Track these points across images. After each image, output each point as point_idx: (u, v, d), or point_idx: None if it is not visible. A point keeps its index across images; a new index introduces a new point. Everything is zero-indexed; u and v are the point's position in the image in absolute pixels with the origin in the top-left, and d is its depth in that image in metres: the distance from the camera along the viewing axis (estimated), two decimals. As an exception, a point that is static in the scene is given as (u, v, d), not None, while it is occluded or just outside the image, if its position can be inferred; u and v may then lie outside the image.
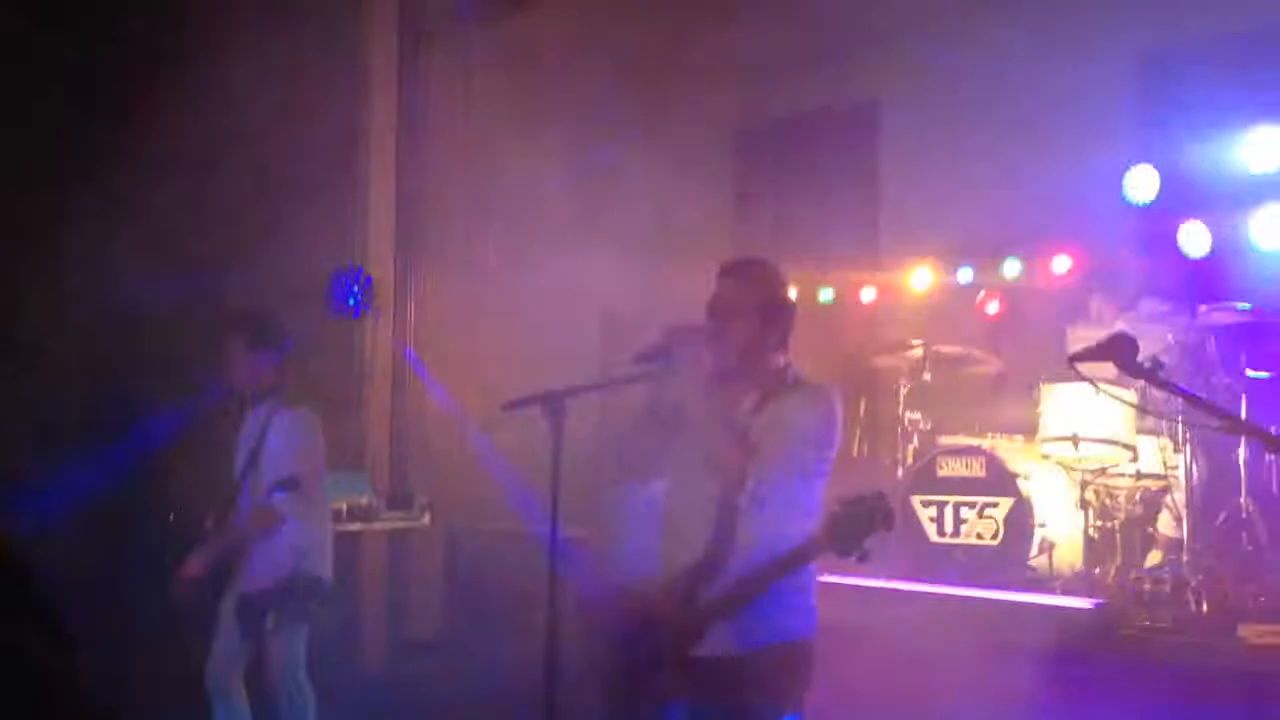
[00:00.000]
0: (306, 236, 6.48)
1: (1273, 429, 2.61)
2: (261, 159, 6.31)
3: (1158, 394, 3.01)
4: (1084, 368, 2.99)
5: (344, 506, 6.44)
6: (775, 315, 3.38)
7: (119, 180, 5.83)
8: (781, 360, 3.40)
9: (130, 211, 5.82)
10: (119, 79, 6.14)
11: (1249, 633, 5.06)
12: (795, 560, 3.07)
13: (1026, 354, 7.22)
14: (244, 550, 4.91)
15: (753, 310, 3.34)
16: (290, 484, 4.87)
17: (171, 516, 5.28)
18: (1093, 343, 2.88)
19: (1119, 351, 2.85)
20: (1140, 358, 2.87)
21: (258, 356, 5.01)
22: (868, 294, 8.53)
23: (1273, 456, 2.53)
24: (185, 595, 4.86)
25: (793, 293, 3.49)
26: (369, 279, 7.28)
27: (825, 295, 8.67)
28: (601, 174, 7.89)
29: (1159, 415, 5.36)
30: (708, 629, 3.13)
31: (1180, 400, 3.02)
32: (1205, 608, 5.38)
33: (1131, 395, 5.54)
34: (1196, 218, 6.70)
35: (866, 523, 2.90)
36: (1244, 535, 5.75)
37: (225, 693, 5.00)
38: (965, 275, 8.03)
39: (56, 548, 4.82)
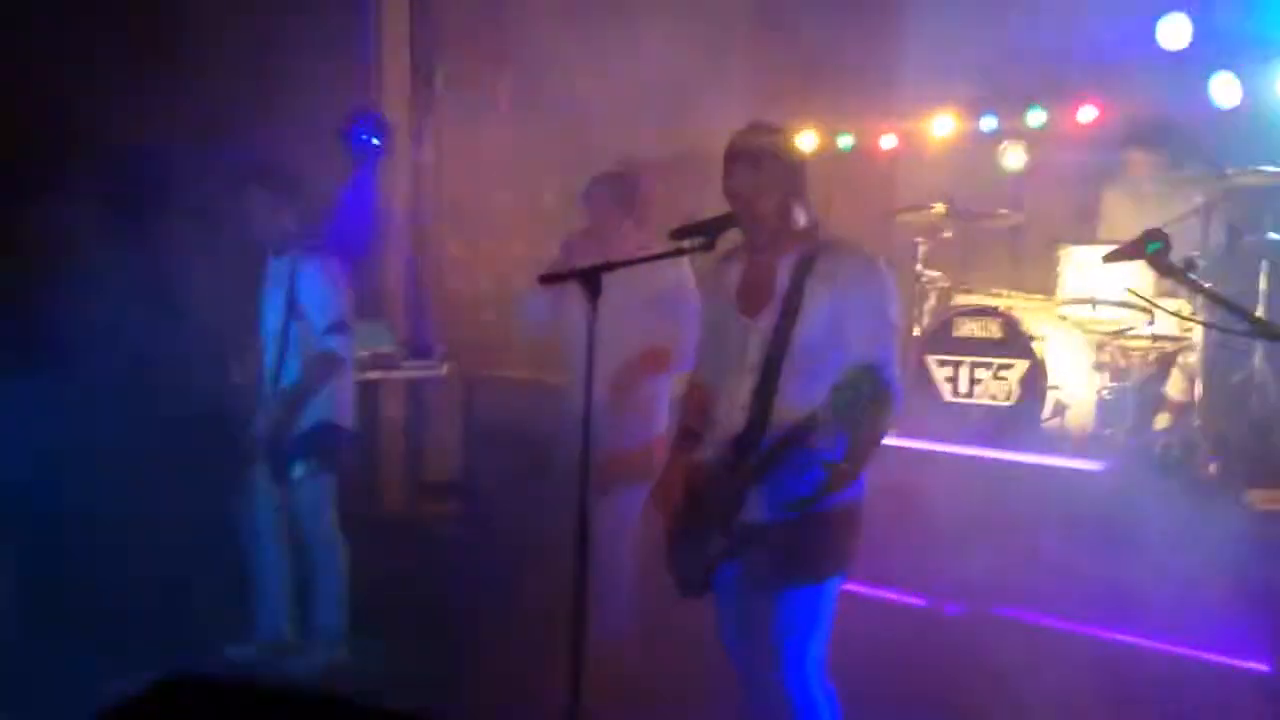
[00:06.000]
0: (321, 81, 6.36)
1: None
2: (273, 5, 6.14)
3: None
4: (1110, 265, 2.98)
5: (366, 355, 6.45)
6: (793, 183, 3.42)
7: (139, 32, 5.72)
8: (806, 218, 3.44)
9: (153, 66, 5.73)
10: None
11: (1256, 497, 5.17)
12: (803, 429, 3.18)
13: (1048, 207, 7.15)
14: (303, 401, 4.94)
15: (772, 188, 3.38)
16: (341, 328, 4.92)
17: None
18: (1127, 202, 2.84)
19: (1151, 250, 2.87)
20: (1174, 256, 2.88)
21: (279, 208, 4.98)
22: (888, 141, 8.38)
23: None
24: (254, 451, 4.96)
25: (803, 143, 3.49)
26: (385, 123, 7.14)
27: (844, 142, 8.50)
28: (617, 16, 7.68)
29: (1177, 316, 5.45)
30: (748, 494, 3.29)
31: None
32: (1213, 471, 5.48)
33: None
34: (1228, 69, 6.55)
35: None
36: (1254, 398, 5.81)
37: (259, 538, 5.13)
38: (988, 123, 7.82)
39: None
